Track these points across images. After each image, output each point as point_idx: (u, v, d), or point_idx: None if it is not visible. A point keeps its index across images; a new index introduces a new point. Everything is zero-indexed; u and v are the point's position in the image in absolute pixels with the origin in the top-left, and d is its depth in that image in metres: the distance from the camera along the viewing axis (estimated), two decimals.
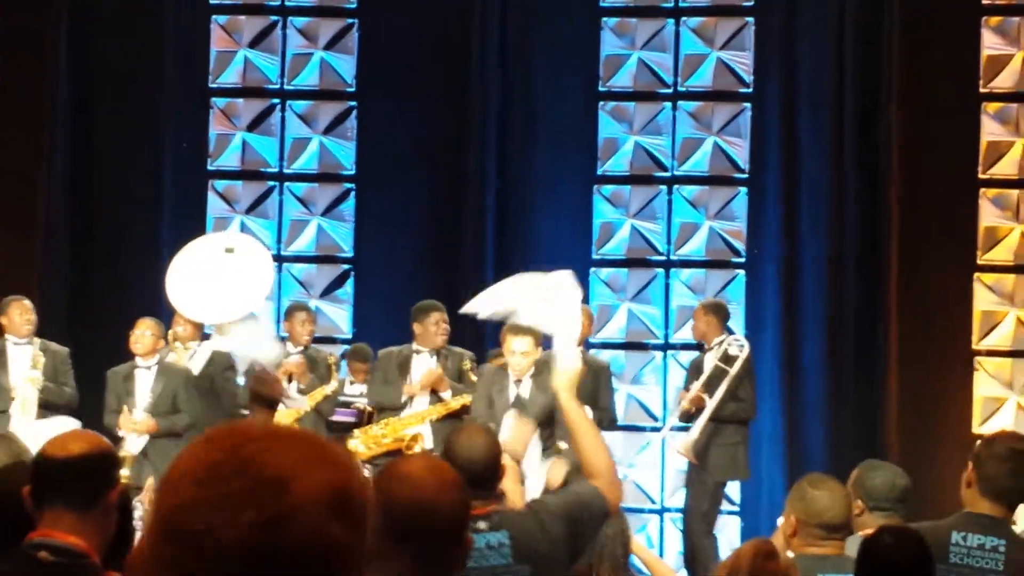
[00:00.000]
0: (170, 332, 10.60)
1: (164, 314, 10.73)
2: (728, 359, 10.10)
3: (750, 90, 12.51)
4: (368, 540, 1.45)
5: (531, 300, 4.57)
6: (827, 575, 4.50)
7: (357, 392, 10.87)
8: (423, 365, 9.71)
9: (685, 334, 11.73)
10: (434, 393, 9.60)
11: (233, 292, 10.53)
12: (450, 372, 9.71)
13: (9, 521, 3.38)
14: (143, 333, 10.23)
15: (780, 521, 4.79)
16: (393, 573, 2.82)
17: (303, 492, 1.39)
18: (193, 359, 10.47)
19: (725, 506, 10.79)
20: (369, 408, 10.34)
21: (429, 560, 2.85)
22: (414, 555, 2.85)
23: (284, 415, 9.76)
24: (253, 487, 1.38)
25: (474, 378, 9.77)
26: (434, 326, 9.66)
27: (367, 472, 8.82)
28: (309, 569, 1.39)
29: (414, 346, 9.77)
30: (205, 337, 10.83)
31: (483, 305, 4.65)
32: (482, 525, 4.09)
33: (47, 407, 10.14)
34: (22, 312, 10.39)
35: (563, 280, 4.61)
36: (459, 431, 4.49)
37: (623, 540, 5.36)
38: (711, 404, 9.95)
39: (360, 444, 9.57)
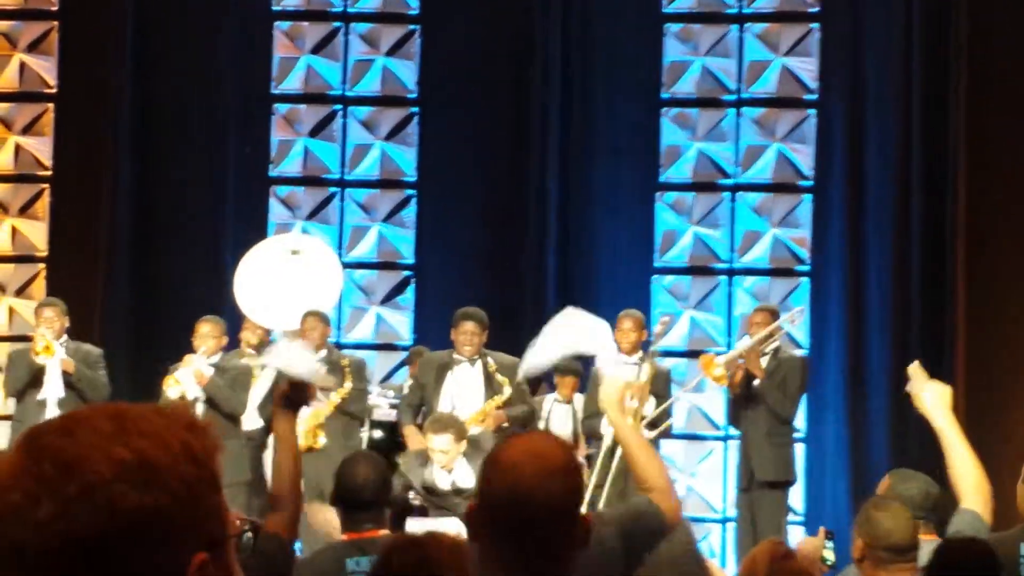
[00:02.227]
0: (242, 339, 10.60)
1: (226, 319, 10.73)
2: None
3: (815, 96, 12.39)
4: (203, 499, 1.39)
5: (567, 332, 4.55)
6: None
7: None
8: (463, 374, 9.62)
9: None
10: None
11: (303, 296, 10.54)
12: (499, 387, 9.60)
13: None
14: (205, 334, 10.28)
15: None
16: (501, 570, 2.61)
17: (94, 470, 1.34)
18: (265, 369, 10.46)
19: (789, 516, 10.67)
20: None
21: (536, 555, 2.61)
22: (518, 550, 2.60)
23: (310, 415, 9.74)
24: (41, 482, 1.34)
25: (523, 387, 9.72)
26: (463, 336, 9.57)
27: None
28: (122, 545, 1.34)
29: (455, 354, 9.69)
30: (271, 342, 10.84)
31: (538, 361, 4.61)
32: None
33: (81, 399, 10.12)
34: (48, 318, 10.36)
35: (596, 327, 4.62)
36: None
37: (696, 558, 5.22)
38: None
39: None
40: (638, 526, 3.93)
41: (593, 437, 9.82)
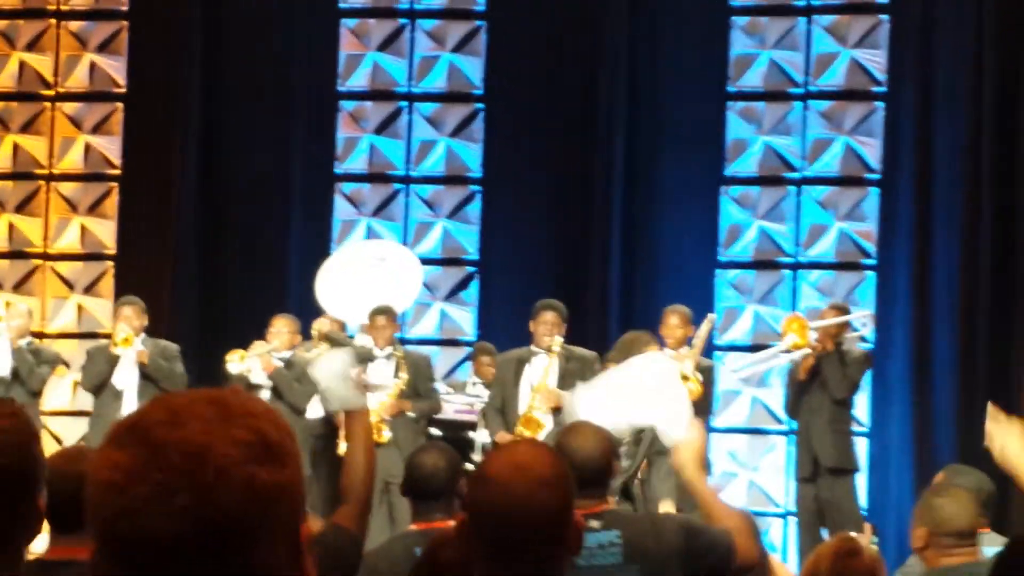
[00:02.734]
0: (315, 329, 10.68)
1: (291, 315, 10.82)
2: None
3: (883, 89, 12.25)
4: (301, 470, 1.44)
5: (633, 396, 4.60)
6: None
7: (478, 392, 10.84)
8: (539, 368, 9.54)
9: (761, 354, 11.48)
10: (558, 410, 9.37)
11: (379, 297, 10.62)
12: (574, 377, 9.49)
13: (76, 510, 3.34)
14: (279, 330, 10.36)
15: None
16: None
17: (222, 455, 1.37)
18: None
19: None
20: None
21: (529, 567, 2.53)
22: (510, 564, 2.52)
23: (373, 410, 9.76)
24: (173, 473, 1.37)
25: None
26: (543, 326, 9.49)
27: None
28: (254, 521, 1.38)
29: (532, 347, 9.63)
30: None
31: (594, 413, 4.60)
32: (594, 524, 4.04)
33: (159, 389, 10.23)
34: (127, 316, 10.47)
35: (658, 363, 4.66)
36: (570, 429, 4.40)
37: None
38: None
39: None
40: (705, 540, 4.10)
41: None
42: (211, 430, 1.39)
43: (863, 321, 10.08)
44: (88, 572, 1.46)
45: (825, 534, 9.44)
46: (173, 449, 1.37)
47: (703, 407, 9.57)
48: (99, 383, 10.34)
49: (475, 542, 2.57)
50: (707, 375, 9.63)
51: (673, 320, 9.84)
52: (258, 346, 10.22)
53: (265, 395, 10.07)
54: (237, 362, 10.14)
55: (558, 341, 9.41)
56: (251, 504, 1.38)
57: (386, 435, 9.92)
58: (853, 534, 5.36)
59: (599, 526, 4.06)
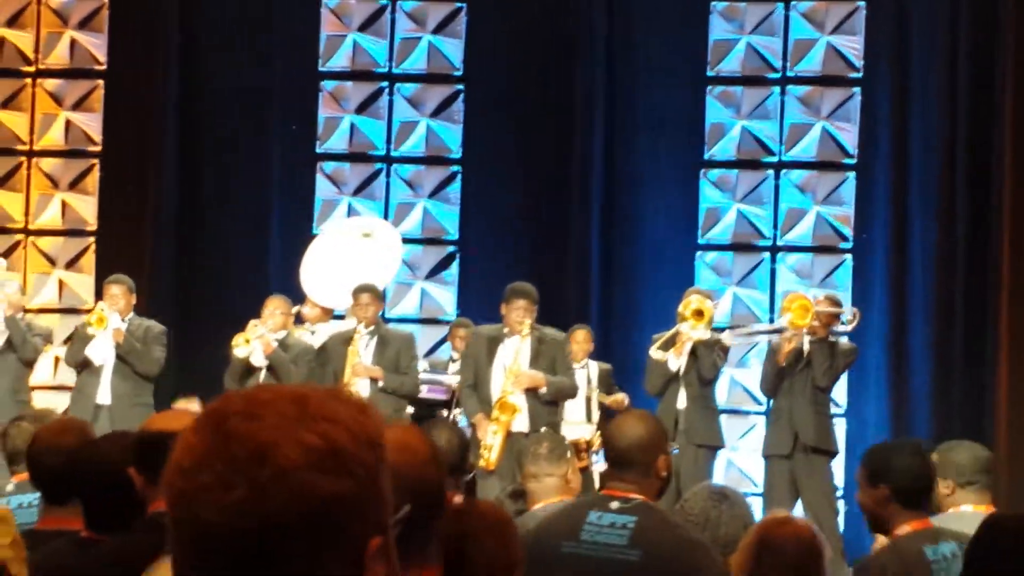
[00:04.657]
0: (294, 311, 10.74)
1: (273, 293, 10.86)
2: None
3: (860, 75, 12.40)
4: (381, 484, 1.43)
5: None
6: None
7: (455, 371, 10.89)
8: (511, 349, 9.54)
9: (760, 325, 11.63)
10: (532, 391, 9.44)
11: (360, 274, 10.64)
12: (546, 358, 9.55)
13: (119, 497, 3.40)
14: (273, 311, 10.37)
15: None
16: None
17: (285, 455, 1.37)
18: (315, 337, 10.60)
19: None
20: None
21: (414, 534, 2.68)
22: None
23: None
24: (236, 464, 1.37)
25: (571, 365, 9.73)
26: (515, 312, 9.46)
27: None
28: (309, 529, 1.38)
29: (505, 328, 9.62)
30: (338, 319, 10.96)
31: None
32: (614, 505, 4.07)
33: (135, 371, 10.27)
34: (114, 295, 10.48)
35: None
36: (623, 415, 4.51)
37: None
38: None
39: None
40: None
41: None
42: (281, 429, 1.38)
43: (851, 315, 10.16)
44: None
45: (798, 511, 9.54)
46: (240, 442, 1.38)
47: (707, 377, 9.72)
48: (81, 359, 10.37)
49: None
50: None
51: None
52: (253, 326, 10.24)
53: (263, 376, 10.12)
54: (243, 346, 10.14)
55: (527, 324, 9.43)
56: (304, 510, 1.37)
57: None
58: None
59: (617, 507, 4.07)
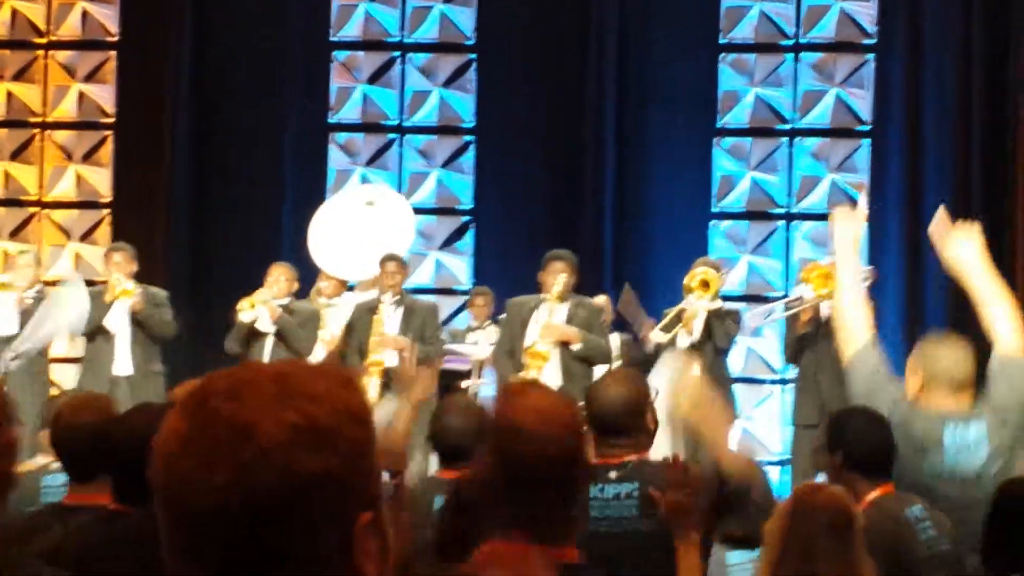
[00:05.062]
0: (313, 288, 10.75)
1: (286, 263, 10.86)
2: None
3: (873, 40, 12.35)
4: (367, 459, 1.42)
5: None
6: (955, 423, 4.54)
7: (474, 340, 10.88)
8: (546, 313, 9.53)
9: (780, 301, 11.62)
10: (565, 346, 9.42)
11: (376, 245, 10.62)
12: (582, 321, 9.52)
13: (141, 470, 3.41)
14: (277, 278, 10.38)
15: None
16: (519, 522, 2.68)
17: (267, 434, 1.36)
18: (337, 313, 10.59)
19: None
20: (480, 359, 10.38)
21: (549, 504, 2.70)
22: (532, 504, 2.69)
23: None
24: (218, 446, 1.37)
25: (607, 333, 9.73)
26: (552, 276, 9.48)
27: None
28: (294, 507, 1.37)
29: (542, 295, 9.62)
30: (349, 290, 10.96)
31: None
32: (612, 475, 4.05)
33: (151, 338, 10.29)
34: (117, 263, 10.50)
35: None
36: (603, 377, 4.47)
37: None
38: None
39: None
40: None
41: None
42: (263, 408, 1.37)
43: (866, 276, 10.12)
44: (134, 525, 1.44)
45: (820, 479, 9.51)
46: (222, 423, 1.37)
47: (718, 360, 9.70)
48: (94, 328, 10.38)
49: (500, 484, 2.73)
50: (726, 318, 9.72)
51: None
52: (261, 293, 10.27)
53: (270, 342, 10.15)
54: (248, 310, 10.19)
55: (563, 282, 9.41)
56: (288, 489, 1.36)
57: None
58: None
59: (616, 476, 4.04)
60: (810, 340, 9.78)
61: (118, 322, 10.24)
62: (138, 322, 10.25)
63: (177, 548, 1.40)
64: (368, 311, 10.02)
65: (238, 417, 1.37)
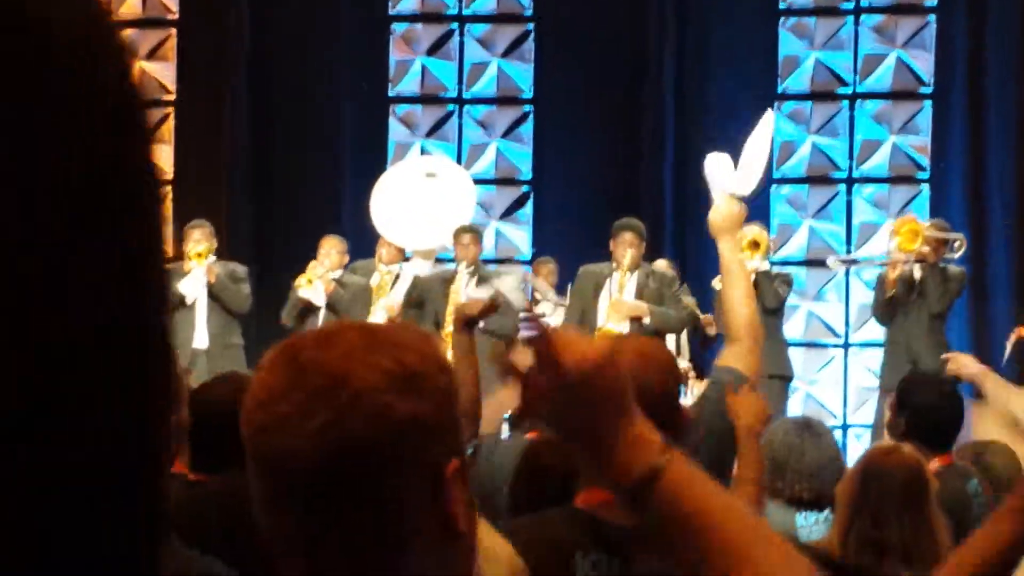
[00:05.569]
0: (376, 254, 10.82)
1: (345, 236, 10.92)
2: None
3: (935, 2, 12.25)
4: (454, 408, 1.46)
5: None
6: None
7: (541, 311, 10.90)
8: (616, 284, 9.54)
9: (867, 251, 11.57)
10: (636, 320, 9.42)
11: (437, 217, 10.69)
12: (652, 293, 9.53)
13: (229, 438, 3.45)
14: (328, 251, 10.49)
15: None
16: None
17: (362, 379, 1.40)
18: (397, 283, 10.66)
19: None
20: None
21: None
22: None
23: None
24: (314, 392, 1.40)
25: (685, 299, 9.73)
26: (621, 246, 9.50)
27: None
28: (389, 452, 1.40)
29: (613, 264, 9.63)
30: (406, 259, 11.01)
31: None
32: None
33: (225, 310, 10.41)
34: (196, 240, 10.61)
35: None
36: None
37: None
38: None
39: None
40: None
41: None
42: (355, 356, 1.41)
43: (958, 242, 9.95)
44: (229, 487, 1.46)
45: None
46: (316, 371, 1.41)
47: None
48: (176, 296, 10.50)
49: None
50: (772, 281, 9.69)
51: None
52: (314, 267, 10.40)
53: (323, 315, 10.25)
54: (306, 287, 10.32)
55: (631, 254, 9.42)
56: (383, 432, 1.39)
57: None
58: None
59: None
60: (901, 301, 9.63)
61: (195, 290, 10.39)
62: (214, 295, 10.39)
63: (268, 499, 1.43)
64: (443, 282, 10.09)
65: (331, 365, 1.40)
